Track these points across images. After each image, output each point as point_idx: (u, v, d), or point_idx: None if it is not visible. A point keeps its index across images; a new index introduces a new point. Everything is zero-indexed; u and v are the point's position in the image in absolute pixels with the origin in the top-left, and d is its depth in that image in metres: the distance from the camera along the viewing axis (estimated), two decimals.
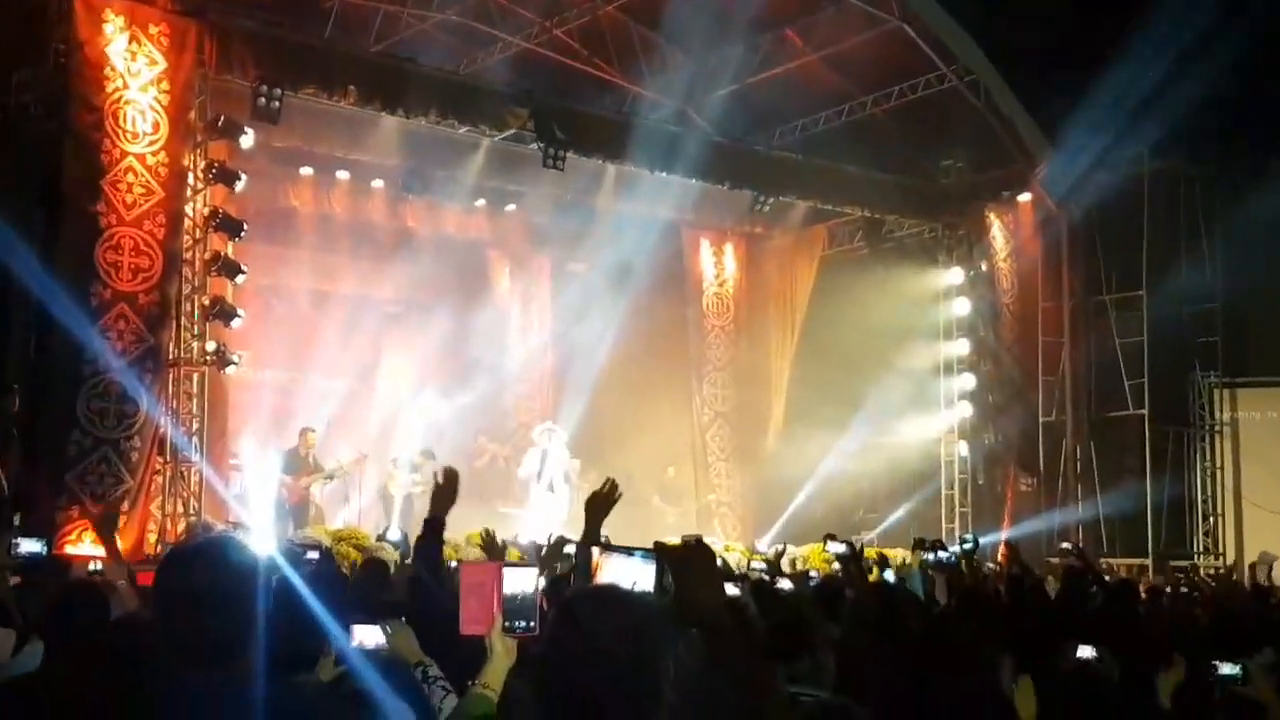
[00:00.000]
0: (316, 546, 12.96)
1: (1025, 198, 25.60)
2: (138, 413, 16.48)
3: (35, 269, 15.56)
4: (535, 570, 4.06)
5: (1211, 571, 24.27)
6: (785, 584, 11.58)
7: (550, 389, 26.50)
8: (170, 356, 17.25)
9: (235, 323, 18.20)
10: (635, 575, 4.05)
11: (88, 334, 16.01)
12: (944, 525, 24.10)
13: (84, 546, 15.25)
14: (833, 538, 9.61)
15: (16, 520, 15.39)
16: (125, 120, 16.71)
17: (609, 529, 6.45)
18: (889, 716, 5.32)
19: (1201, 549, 26.57)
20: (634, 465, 24.76)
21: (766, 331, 27.40)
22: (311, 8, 21.01)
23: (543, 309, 27.05)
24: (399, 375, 24.86)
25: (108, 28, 16.70)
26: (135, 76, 16.85)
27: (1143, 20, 21.69)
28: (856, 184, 24.29)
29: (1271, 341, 26.95)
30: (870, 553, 14.63)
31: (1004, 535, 23.60)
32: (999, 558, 21.42)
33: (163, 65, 17.10)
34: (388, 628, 5.43)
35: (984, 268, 25.36)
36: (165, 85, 17.11)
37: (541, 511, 22.00)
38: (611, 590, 3.52)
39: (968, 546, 13.06)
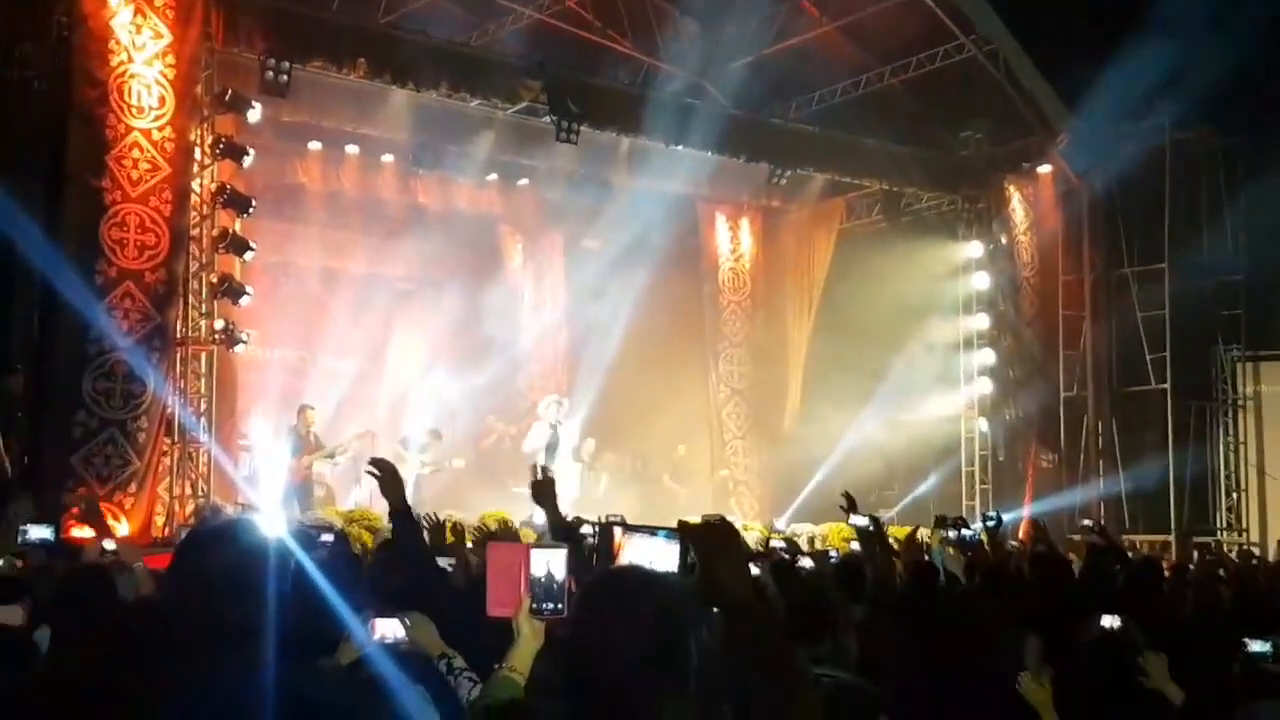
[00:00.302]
0: (329, 528, 12.76)
1: (1045, 169, 25.42)
2: (145, 393, 16.31)
3: (40, 247, 15.43)
4: (565, 551, 3.95)
5: (1235, 548, 24.10)
6: (806, 563, 11.39)
7: (564, 367, 26.27)
8: (178, 335, 17.07)
9: (244, 301, 18.03)
10: (658, 555, 3.90)
11: (93, 313, 15.89)
12: (964, 502, 23.96)
13: (89, 530, 15.07)
14: (852, 503, 9.30)
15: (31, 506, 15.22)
16: (130, 95, 16.54)
17: (622, 509, 6.29)
18: (912, 698, 5.19)
19: (1225, 525, 26.43)
20: (650, 445, 24.61)
21: (783, 307, 27.18)
22: None
23: (556, 286, 26.80)
24: (410, 354, 24.64)
25: (112, 1, 16.46)
26: (140, 50, 16.66)
27: None
28: (874, 156, 24.13)
29: None
30: (899, 531, 14.45)
31: (1026, 512, 23.43)
32: (1021, 535, 21.26)
33: (168, 38, 16.91)
34: (407, 620, 5.30)
35: (1004, 241, 25.18)
36: (171, 59, 16.92)
37: None
38: (638, 571, 3.47)
39: (991, 524, 12.80)
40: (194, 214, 17.45)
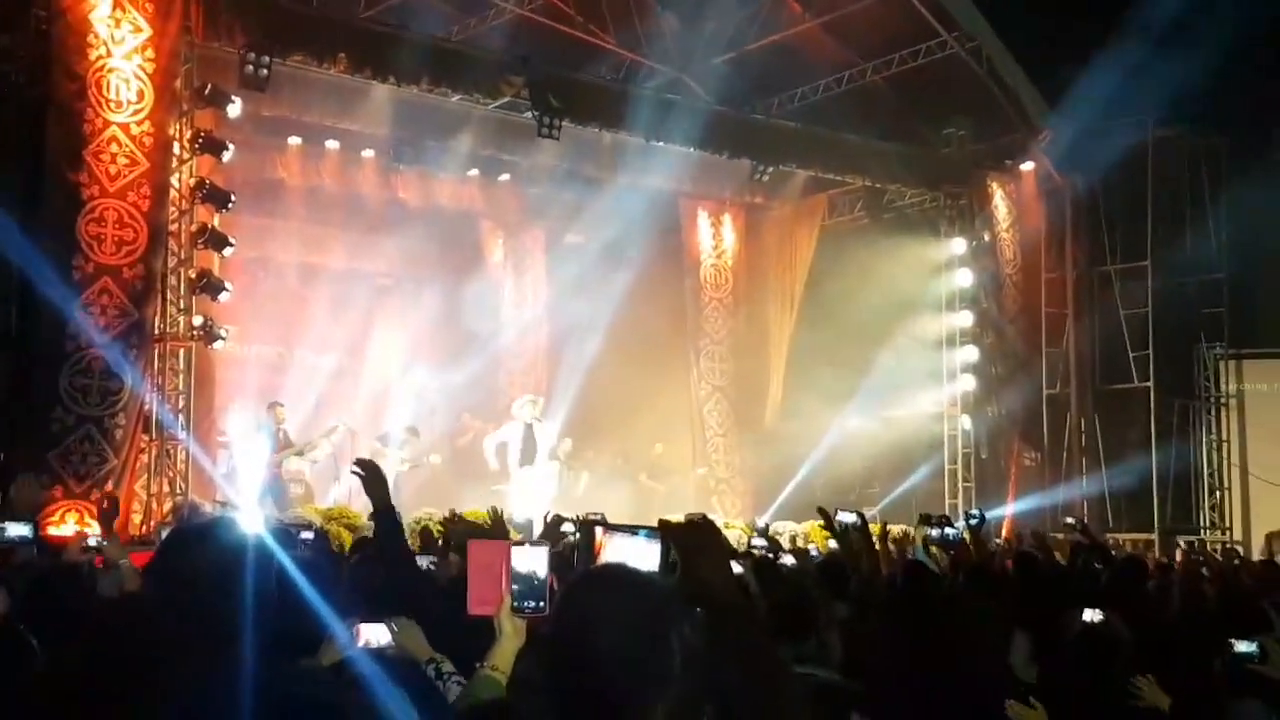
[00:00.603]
0: (309, 526, 12.66)
1: (1028, 166, 25.45)
2: (122, 389, 16.16)
3: (16, 242, 15.26)
4: (546, 549, 3.99)
5: (1218, 546, 24.10)
6: (788, 560, 11.33)
7: (544, 364, 26.26)
8: (156, 331, 16.95)
9: (223, 296, 17.94)
10: (639, 555, 3.83)
11: (70, 308, 15.74)
12: (947, 500, 23.97)
13: (67, 528, 14.98)
14: (827, 518, 9.31)
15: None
16: (109, 89, 16.40)
17: (603, 508, 6.21)
18: (898, 697, 5.16)
19: (1208, 523, 26.47)
20: (631, 443, 24.54)
21: (765, 304, 27.15)
22: None
23: (537, 282, 26.79)
24: (390, 350, 24.60)
25: None
26: (119, 44, 16.52)
27: None
28: (857, 153, 24.11)
29: (1278, 312, 26.72)
30: (875, 528, 14.39)
31: (1009, 510, 23.42)
32: (1005, 534, 21.25)
33: (148, 32, 16.77)
34: (393, 625, 5.25)
35: (986, 238, 25.18)
36: (150, 53, 16.78)
37: (528, 489, 21.58)
38: (621, 570, 3.38)
39: (974, 522, 12.77)
40: (173, 209, 17.33)
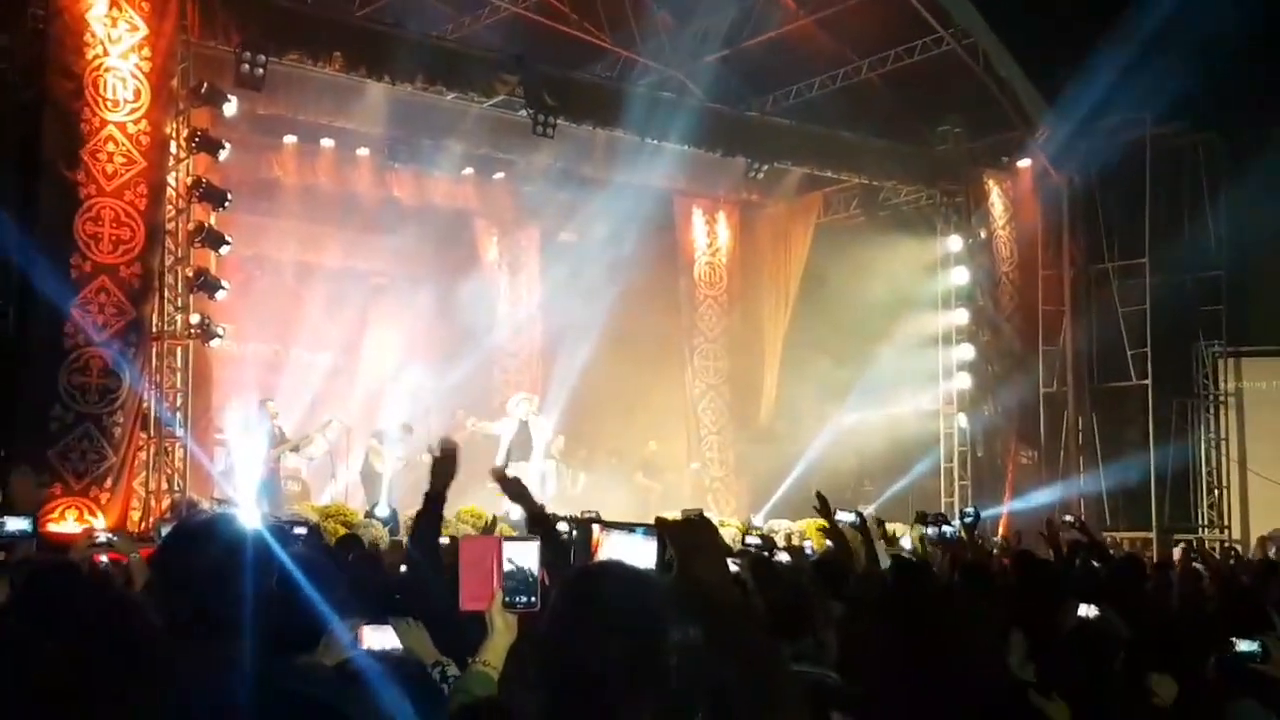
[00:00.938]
0: (304, 523, 12.65)
1: (1025, 164, 25.42)
2: (120, 387, 16.17)
3: (14, 241, 15.28)
4: (536, 544, 3.98)
5: (1216, 545, 24.08)
6: (783, 558, 11.33)
7: (539, 362, 26.25)
8: (153, 330, 16.96)
9: (220, 295, 17.96)
10: (636, 552, 3.84)
11: (67, 307, 15.77)
12: (943, 499, 23.94)
13: (67, 524, 15.04)
14: (825, 504, 9.30)
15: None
16: (105, 88, 16.38)
17: (598, 506, 6.22)
18: (893, 696, 5.12)
19: (1206, 521, 26.41)
20: (626, 440, 24.54)
21: (760, 301, 27.14)
22: None
23: (531, 280, 26.80)
24: (385, 348, 24.63)
25: None
26: (115, 43, 16.50)
27: None
28: (852, 150, 24.08)
29: (1276, 310, 26.68)
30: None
31: (1005, 509, 23.41)
32: (1001, 532, 21.24)
33: (144, 31, 16.74)
34: (399, 627, 5.25)
35: (983, 235, 25.14)
36: (146, 52, 16.76)
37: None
38: (617, 566, 3.38)
39: (969, 520, 12.81)
40: (169, 208, 17.32)
